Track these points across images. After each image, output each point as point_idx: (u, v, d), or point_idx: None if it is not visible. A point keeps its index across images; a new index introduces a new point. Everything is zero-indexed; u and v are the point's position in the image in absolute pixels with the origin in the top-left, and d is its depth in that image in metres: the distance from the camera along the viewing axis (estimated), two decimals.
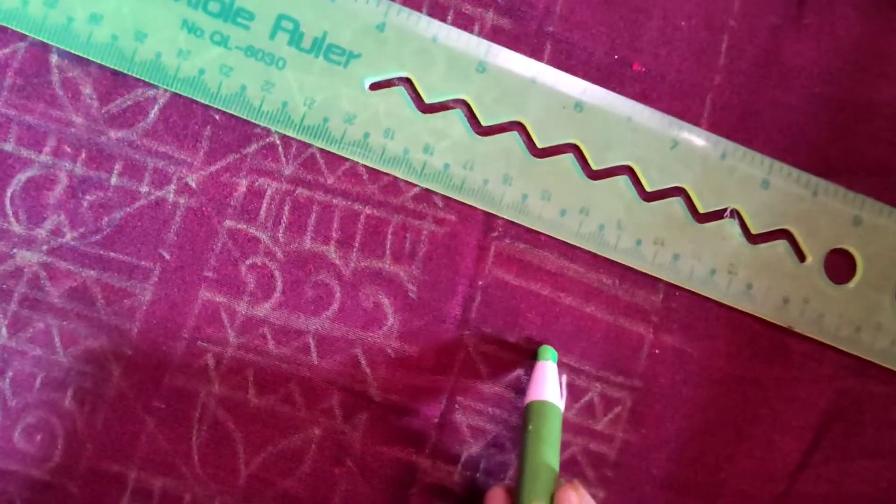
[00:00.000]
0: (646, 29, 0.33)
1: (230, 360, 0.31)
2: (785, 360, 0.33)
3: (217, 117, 0.31)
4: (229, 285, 0.31)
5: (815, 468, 0.33)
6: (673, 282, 0.32)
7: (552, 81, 0.32)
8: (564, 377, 0.32)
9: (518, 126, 0.31)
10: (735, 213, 0.32)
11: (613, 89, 0.32)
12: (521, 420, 0.31)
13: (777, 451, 0.33)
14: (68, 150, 0.30)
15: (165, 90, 0.31)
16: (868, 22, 0.34)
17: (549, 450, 0.29)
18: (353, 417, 0.31)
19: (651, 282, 0.32)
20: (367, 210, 0.31)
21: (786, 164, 0.32)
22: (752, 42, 0.33)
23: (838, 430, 0.33)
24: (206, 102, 0.30)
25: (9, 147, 0.30)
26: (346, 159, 0.31)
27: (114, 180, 0.30)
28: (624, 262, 0.32)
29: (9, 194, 0.30)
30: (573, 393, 0.32)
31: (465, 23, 0.32)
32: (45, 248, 0.30)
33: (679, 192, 0.32)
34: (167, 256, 0.31)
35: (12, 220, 0.30)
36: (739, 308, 0.32)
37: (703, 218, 0.32)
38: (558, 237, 0.32)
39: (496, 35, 0.32)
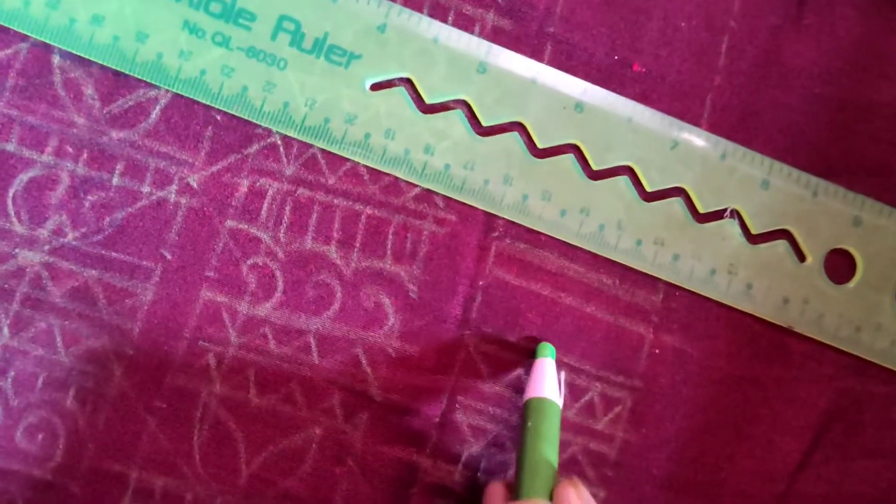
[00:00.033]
0: (646, 30, 0.33)
1: (231, 360, 0.31)
2: (785, 360, 0.33)
3: (218, 118, 0.31)
4: (230, 285, 0.31)
5: (815, 468, 0.33)
6: (673, 282, 0.32)
7: (552, 82, 0.32)
8: (563, 374, 0.32)
9: (518, 126, 0.32)
10: (735, 214, 0.32)
11: (614, 90, 0.32)
12: (521, 419, 0.31)
13: (777, 451, 0.33)
14: (70, 150, 0.30)
15: (167, 91, 0.31)
16: (868, 22, 0.34)
17: (548, 446, 0.29)
18: (354, 417, 0.31)
19: (651, 282, 0.32)
20: (368, 210, 0.31)
21: (786, 165, 0.32)
22: (752, 42, 0.33)
23: (838, 430, 0.33)
24: (208, 103, 0.30)
25: (11, 147, 0.30)
26: (347, 160, 0.31)
27: (115, 180, 0.30)
28: (624, 263, 0.32)
29: (11, 194, 0.30)
30: (573, 393, 0.32)
31: (465, 24, 0.32)
32: (46, 248, 0.30)
33: (679, 192, 0.32)
34: (169, 256, 0.31)
35: (14, 220, 0.30)
36: (739, 308, 0.32)
37: (703, 218, 0.32)
38: (559, 237, 0.32)
39: (497, 36, 0.32)
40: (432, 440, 0.32)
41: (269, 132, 0.31)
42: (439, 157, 0.31)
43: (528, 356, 0.32)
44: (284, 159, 0.31)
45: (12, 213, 0.30)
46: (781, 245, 0.32)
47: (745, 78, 0.33)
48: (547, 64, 0.32)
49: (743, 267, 0.32)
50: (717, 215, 0.32)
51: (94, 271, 0.30)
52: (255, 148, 0.31)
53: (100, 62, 0.30)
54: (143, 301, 0.31)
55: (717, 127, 0.33)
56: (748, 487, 0.33)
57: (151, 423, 0.30)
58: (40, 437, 0.30)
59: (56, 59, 0.30)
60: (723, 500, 0.33)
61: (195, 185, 0.31)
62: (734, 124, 0.33)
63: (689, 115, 0.32)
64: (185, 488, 0.30)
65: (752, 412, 0.33)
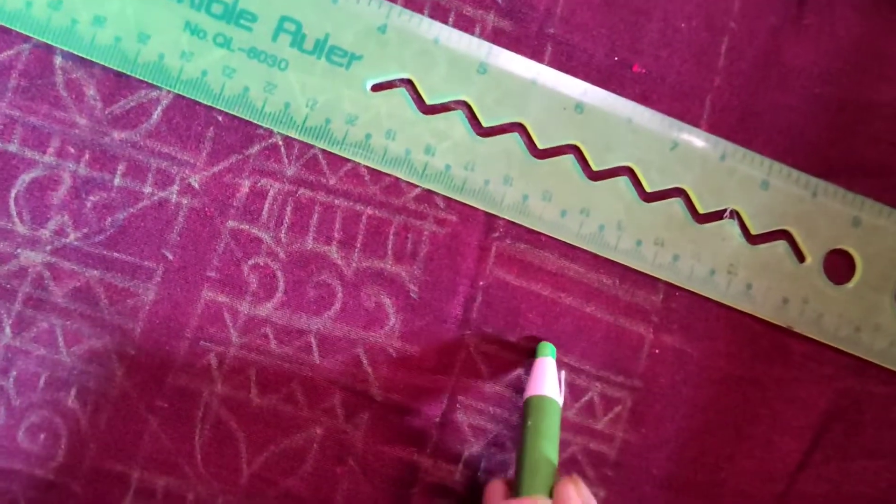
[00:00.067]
0: (646, 31, 0.33)
1: (233, 360, 0.31)
2: (785, 361, 0.33)
3: (220, 118, 0.31)
4: (232, 285, 0.31)
5: (814, 468, 0.33)
6: (673, 282, 0.32)
7: (553, 83, 0.32)
8: (563, 373, 0.32)
9: (519, 127, 0.32)
10: (735, 214, 0.32)
11: (614, 91, 0.32)
12: (521, 418, 0.31)
13: (777, 451, 0.33)
14: (72, 150, 0.30)
15: (168, 91, 0.31)
16: (868, 23, 0.34)
17: (548, 444, 0.29)
18: (355, 417, 0.31)
19: (651, 282, 0.32)
20: (369, 211, 0.32)
21: (785, 165, 0.32)
22: (751, 43, 0.33)
23: (838, 430, 0.33)
24: (209, 104, 0.31)
25: (13, 148, 0.30)
26: (348, 160, 0.31)
27: (117, 181, 0.31)
28: (624, 263, 0.32)
29: (13, 195, 0.30)
30: (573, 392, 0.32)
31: (466, 25, 0.32)
32: (48, 248, 0.30)
33: (679, 192, 0.32)
34: (170, 257, 0.31)
35: (16, 220, 0.30)
36: (739, 308, 0.32)
37: (702, 219, 0.32)
38: (559, 238, 0.32)
39: (497, 37, 0.32)
40: (433, 440, 0.32)
41: (271, 133, 0.31)
42: (440, 158, 0.31)
43: (528, 356, 0.32)
44: (285, 160, 0.31)
45: (14, 213, 0.30)
46: (781, 245, 0.32)
47: (744, 79, 0.33)
48: (547, 65, 0.32)
49: (742, 267, 0.32)
50: (717, 216, 0.32)
51: (95, 271, 0.30)
52: (256, 148, 0.31)
53: (101, 63, 0.30)
54: (144, 301, 0.31)
55: (716, 128, 0.33)
56: (748, 487, 0.33)
57: (153, 422, 0.31)
58: (42, 436, 0.30)
59: (58, 60, 0.30)
60: (723, 500, 0.33)
61: (196, 185, 0.31)
62: (734, 125, 0.33)
63: (688, 115, 0.33)
64: (186, 488, 0.31)
65: (752, 412, 0.33)
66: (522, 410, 0.30)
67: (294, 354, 0.31)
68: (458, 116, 0.31)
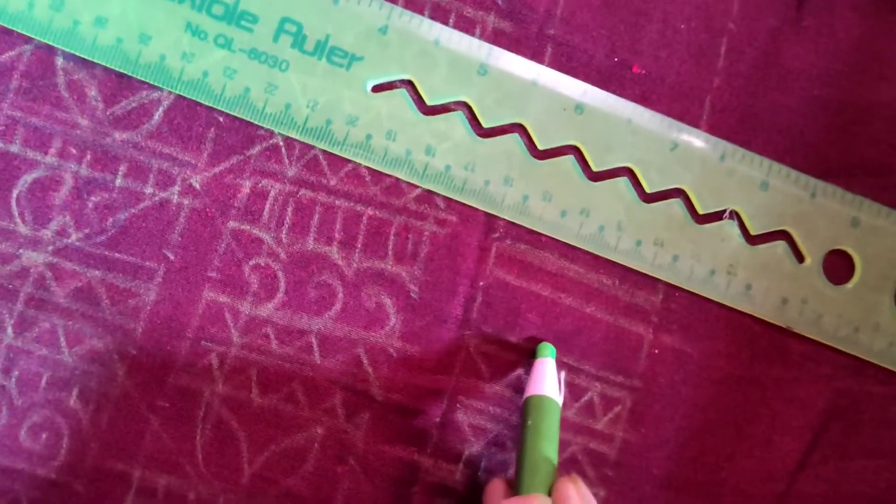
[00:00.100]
0: (646, 32, 0.33)
1: (234, 360, 0.31)
2: (784, 361, 0.33)
3: (221, 119, 0.31)
4: (233, 286, 0.31)
5: (814, 468, 0.33)
6: (673, 282, 0.32)
7: (553, 84, 0.32)
8: (563, 373, 0.32)
9: (519, 128, 0.32)
10: (734, 215, 0.32)
11: (614, 91, 0.32)
12: (521, 418, 0.31)
13: (776, 451, 0.33)
14: (74, 151, 0.30)
15: (170, 92, 0.31)
16: (867, 24, 0.34)
17: (547, 444, 0.29)
18: (356, 417, 0.31)
19: (651, 282, 0.33)
20: (370, 211, 0.32)
21: (784, 166, 0.32)
22: (751, 44, 0.33)
23: (837, 430, 0.33)
24: (210, 104, 0.31)
25: (15, 148, 0.30)
26: (349, 161, 0.31)
27: (118, 181, 0.31)
28: (624, 263, 0.32)
29: (15, 195, 0.30)
30: (573, 392, 0.32)
31: (466, 26, 0.32)
32: (50, 248, 0.30)
33: (679, 193, 0.32)
34: (171, 257, 0.31)
35: (18, 220, 0.30)
36: (739, 308, 0.33)
37: (702, 219, 0.32)
38: (559, 238, 0.32)
39: (497, 38, 0.32)
40: (433, 440, 0.32)
41: (271, 133, 0.31)
42: (440, 159, 0.31)
43: (528, 356, 0.32)
44: (286, 160, 0.31)
45: (16, 213, 0.30)
46: (780, 246, 0.33)
47: (744, 80, 0.33)
48: (547, 66, 0.32)
49: (742, 268, 0.32)
50: (717, 216, 0.32)
51: (97, 272, 0.30)
52: (257, 149, 0.31)
53: (103, 64, 0.30)
54: (145, 301, 0.31)
55: (716, 128, 0.33)
56: (748, 487, 0.33)
57: (154, 422, 0.31)
58: (44, 436, 0.30)
59: (59, 61, 0.30)
60: (723, 500, 0.33)
61: (198, 186, 0.31)
62: (733, 126, 0.33)
63: (688, 116, 0.33)
64: (187, 487, 0.31)
65: (752, 412, 0.33)
66: (522, 410, 0.30)
67: (295, 354, 0.31)
68: (458, 117, 0.31)
